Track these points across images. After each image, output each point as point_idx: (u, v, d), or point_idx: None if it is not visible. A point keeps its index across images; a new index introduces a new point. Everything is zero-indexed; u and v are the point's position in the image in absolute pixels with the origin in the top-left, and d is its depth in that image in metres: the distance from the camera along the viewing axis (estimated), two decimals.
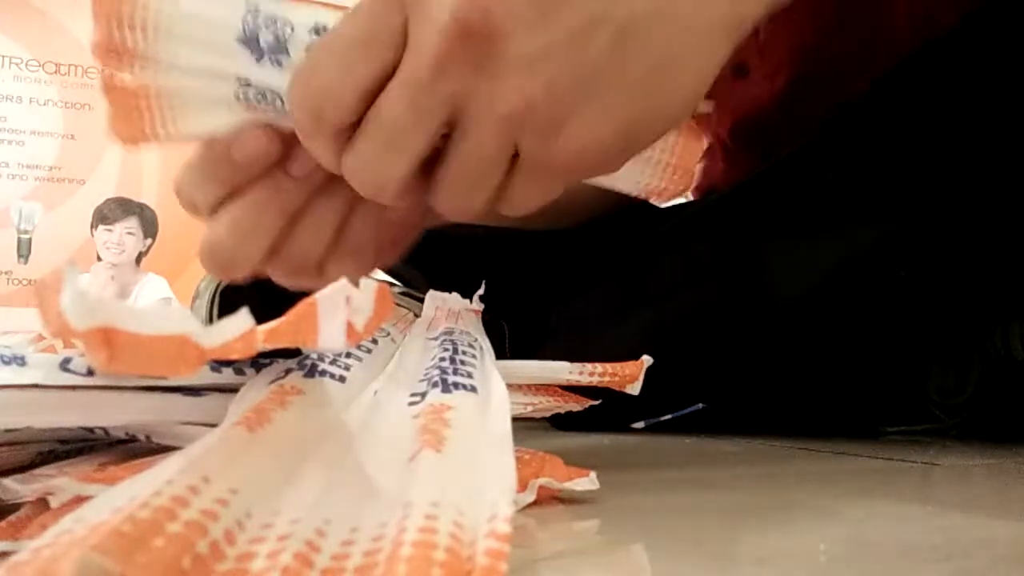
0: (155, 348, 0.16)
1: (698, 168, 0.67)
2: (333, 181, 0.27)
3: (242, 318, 0.17)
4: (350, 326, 0.18)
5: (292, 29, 0.25)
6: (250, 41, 0.24)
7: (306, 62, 0.24)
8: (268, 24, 0.24)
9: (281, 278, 0.29)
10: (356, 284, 0.18)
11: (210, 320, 0.51)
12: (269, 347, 0.18)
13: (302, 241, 0.28)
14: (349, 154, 0.25)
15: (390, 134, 0.24)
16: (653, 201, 0.32)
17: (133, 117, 0.26)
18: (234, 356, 0.17)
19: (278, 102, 0.25)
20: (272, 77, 0.25)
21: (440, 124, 0.24)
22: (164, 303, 2.43)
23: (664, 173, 0.30)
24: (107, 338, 0.15)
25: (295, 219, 0.28)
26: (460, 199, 0.26)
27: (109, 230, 2.52)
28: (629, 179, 0.30)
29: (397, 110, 0.24)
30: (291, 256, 0.28)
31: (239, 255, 0.27)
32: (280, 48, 0.25)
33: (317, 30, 0.25)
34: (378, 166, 0.24)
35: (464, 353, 0.26)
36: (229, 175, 0.27)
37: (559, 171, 0.26)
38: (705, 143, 0.30)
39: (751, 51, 0.58)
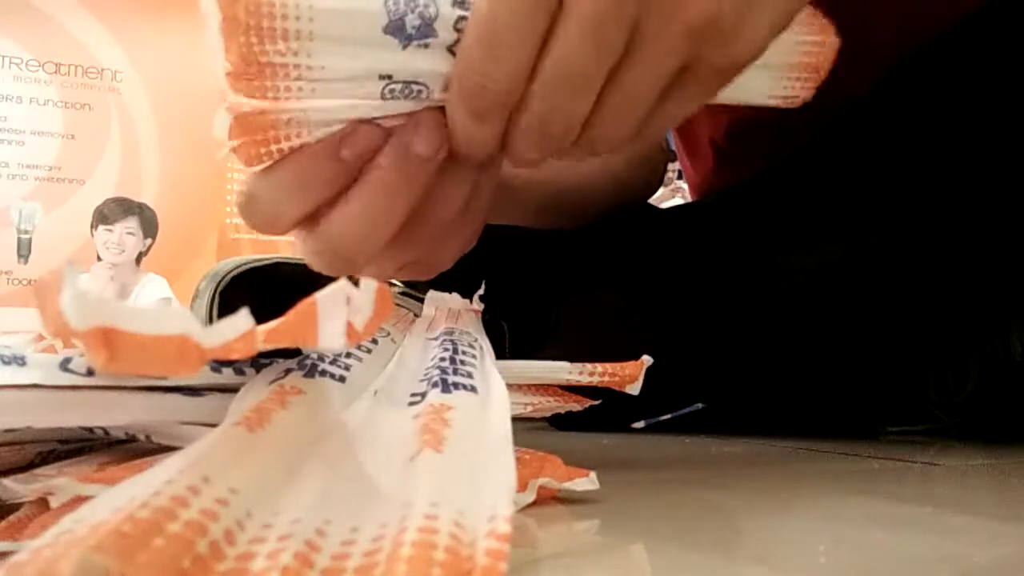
0: (155, 348, 0.16)
1: (692, 171, 0.66)
2: (452, 160, 0.26)
3: (242, 318, 0.17)
4: (350, 326, 0.18)
5: (436, 6, 0.23)
6: (396, 28, 0.23)
7: (466, 47, 0.23)
8: (412, 6, 0.23)
9: (393, 269, 0.29)
10: (356, 284, 0.18)
11: (210, 320, 0.51)
12: (269, 347, 0.18)
13: (428, 224, 0.27)
14: (527, 115, 0.24)
15: (577, 76, 0.23)
16: (783, 105, 0.30)
17: (262, 140, 0.24)
18: (234, 356, 0.17)
19: (423, 91, 0.25)
20: (419, 61, 0.24)
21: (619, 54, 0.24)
22: (164, 303, 2.43)
23: (798, 75, 0.29)
24: (107, 338, 0.15)
25: (421, 202, 0.27)
26: (622, 125, 0.25)
27: (109, 230, 2.52)
28: (762, 89, 0.29)
29: (581, 50, 0.23)
30: (413, 242, 0.27)
31: (366, 244, 0.26)
32: (427, 30, 0.23)
33: (458, 2, 0.24)
34: (565, 113, 0.24)
35: (464, 353, 0.26)
36: (333, 177, 0.25)
37: (727, 75, 0.26)
38: (834, 38, 0.29)
39: None
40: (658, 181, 0.62)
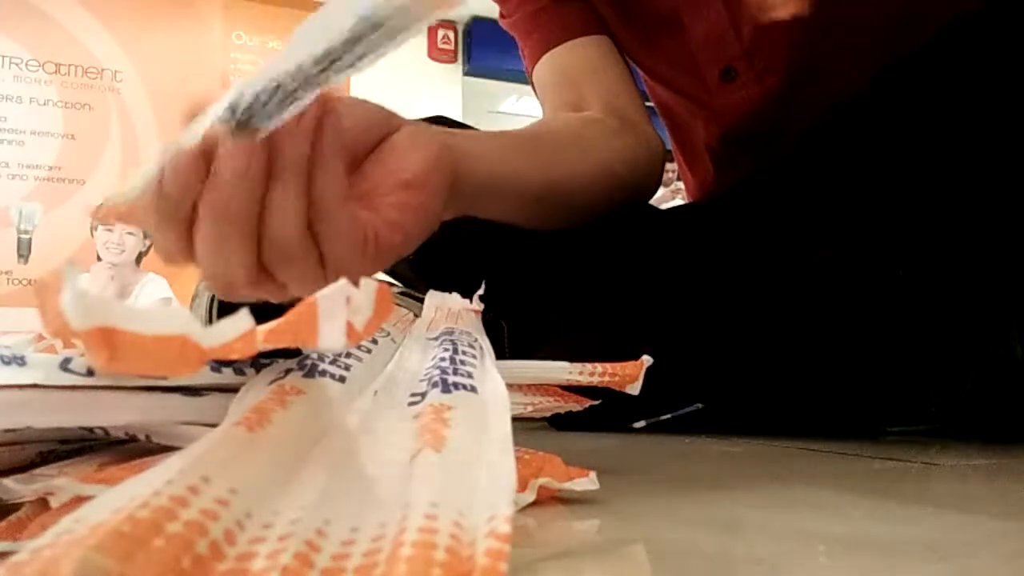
0: (155, 348, 0.16)
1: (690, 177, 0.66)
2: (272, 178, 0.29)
3: (242, 318, 0.17)
4: (350, 326, 0.18)
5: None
6: None
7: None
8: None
9: (290, 278, 0.30)
10: (356, 284, 0.18)
11: (209, 320, 0.51)
12: (269, 347, 0.18)
13: (275, 226, 0.29)
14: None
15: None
16: None
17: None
18: (234, 356, 0.17)
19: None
20: None
21: None
22: (164, 303, 2.43)
23: None
24: (107, 338, 0.15)
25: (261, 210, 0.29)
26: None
27: (109, 230, 2.52)
28: None
29: None
30: (273, 245, 0.29)
31: (230, 265, 0.28)
32: None
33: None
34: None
35: (464, 353, 0.26)
36: (178, 206, 0.28)
37: None
38: None
39: (735, 55, 0.58)
40: (656, 182, 0.62)
